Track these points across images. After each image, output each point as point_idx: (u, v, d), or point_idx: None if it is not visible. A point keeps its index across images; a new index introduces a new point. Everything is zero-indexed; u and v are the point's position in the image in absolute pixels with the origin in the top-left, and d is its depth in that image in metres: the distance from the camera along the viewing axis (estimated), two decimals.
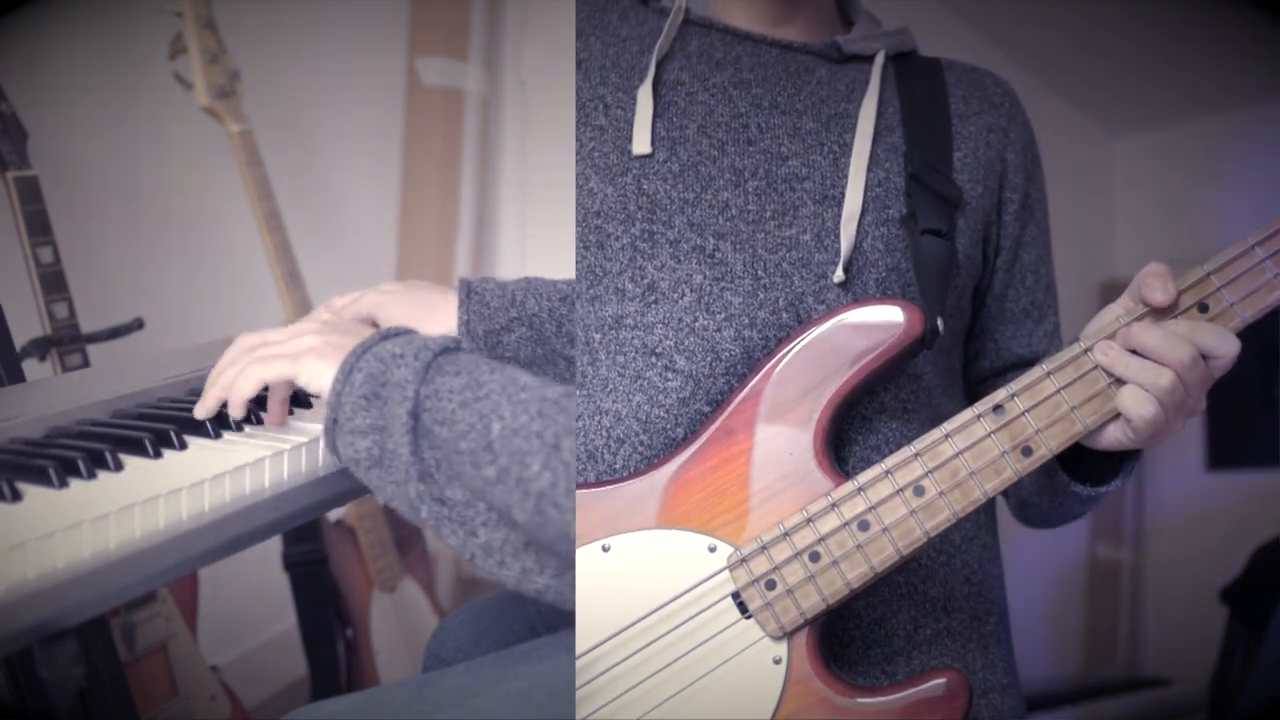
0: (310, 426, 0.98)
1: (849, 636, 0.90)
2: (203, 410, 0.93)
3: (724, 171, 0.94)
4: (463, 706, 0.90)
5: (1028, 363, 0.99)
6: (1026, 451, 0.84)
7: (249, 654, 2.12)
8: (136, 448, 0.89)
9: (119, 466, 0.86)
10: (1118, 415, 0.83)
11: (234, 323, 0.98)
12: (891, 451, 0.86)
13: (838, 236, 0.92)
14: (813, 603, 0.83)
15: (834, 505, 0.84)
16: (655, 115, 0.96)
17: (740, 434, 0.86)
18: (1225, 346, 0.82)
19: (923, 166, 0.96)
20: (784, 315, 0.91)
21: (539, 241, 2.72)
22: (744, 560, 0.84)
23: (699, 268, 0.92)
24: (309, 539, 1.85)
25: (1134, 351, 0.82)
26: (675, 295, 0.91)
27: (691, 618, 0.84)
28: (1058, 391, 0.84)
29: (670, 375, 0.90)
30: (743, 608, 0.84)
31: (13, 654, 1.09)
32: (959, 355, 1.04)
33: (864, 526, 0.84)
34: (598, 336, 0.92)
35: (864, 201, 0.93)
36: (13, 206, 1.49)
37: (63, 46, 1.74)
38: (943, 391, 0.98)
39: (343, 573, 1.96)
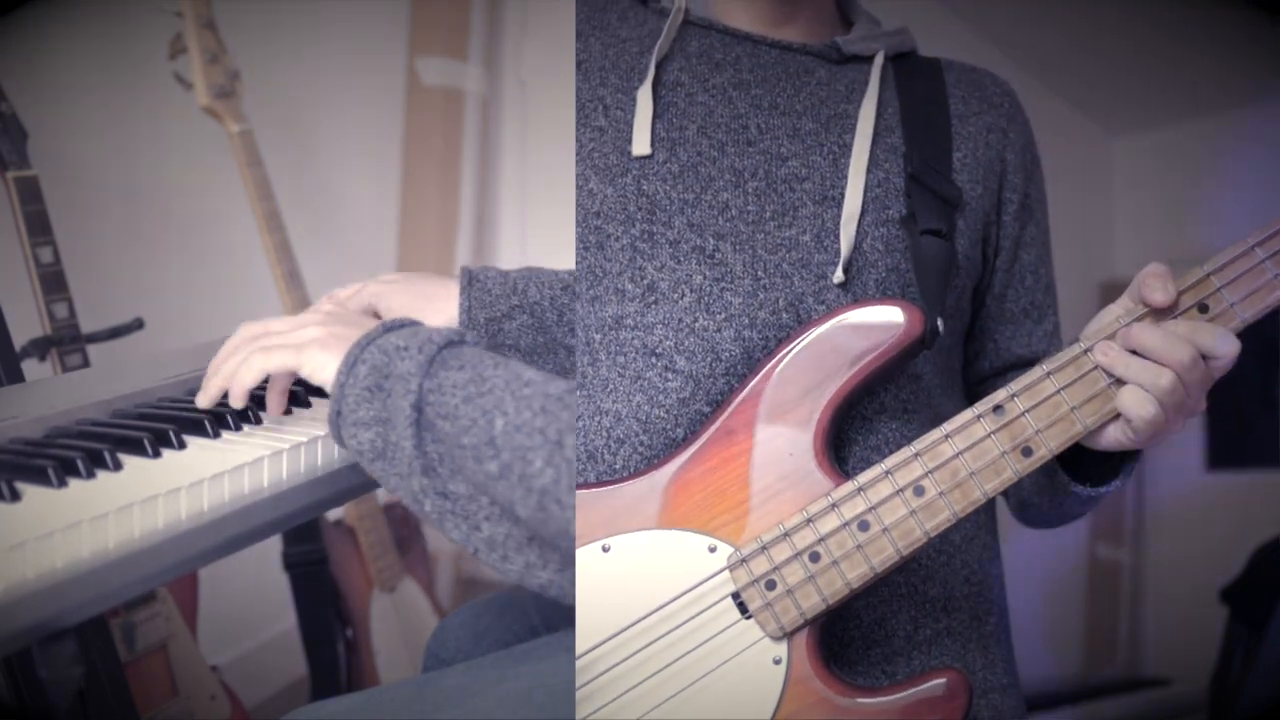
0: (310, 426, 0.98)
1: (849, 636, 0.90)
2: (204, 399, 0.93)
3: (724, 172, 0.94)
4: (463, 706, 0.90)
5: (1027, 363, 0.99)
6: (1026, 452, 0.84)
7: (249, 654, 2.12)
8: (136, 448, 0.89)
9: (118, 466, 0.86)
10: (1118, 415, 0.83)
11: (234, 323, 0.97)
12: (891, 452, 0.86)
13: (837, 237, 0.92)
14: (813, 603, 0.83)
15: (834, 505, 0.84)
16: (655, 116, 0.96)
17: (740, 434, 0.86)
18: (1225, 347, 0.82)
19: (922, 167, 0.96)
20: (784, 316, 0.91)
21: (539, 241, 2.72)
22: (744, 560, 0.84)
23: (699, 268, 0.92)
24: (309, 539, 1.85)
25: (1134, 352, 0.82)
26: (675, 296, 0.91)
27: (691, 618, 0.84)
28: (1058, 392, 0.84)
29: (670, 376, 0.90)
30: (743, 608, 0.84)
31: (12, 654, 1.09)
32: (959, 355, 1.04)
33: (864, 527, 0.84)
34: (598, 337, 0.92)
35: (864, 202, 0.93)
36: (13, 206, 1.49)
37: (63, 46, 1.74)
38: (943, 392, 0.98)
39: (343, 573, 1.96)
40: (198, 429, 0.94)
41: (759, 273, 0.91)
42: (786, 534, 0.84)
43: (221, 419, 0.95)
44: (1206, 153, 2.99)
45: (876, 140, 0.96)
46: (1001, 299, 1.03)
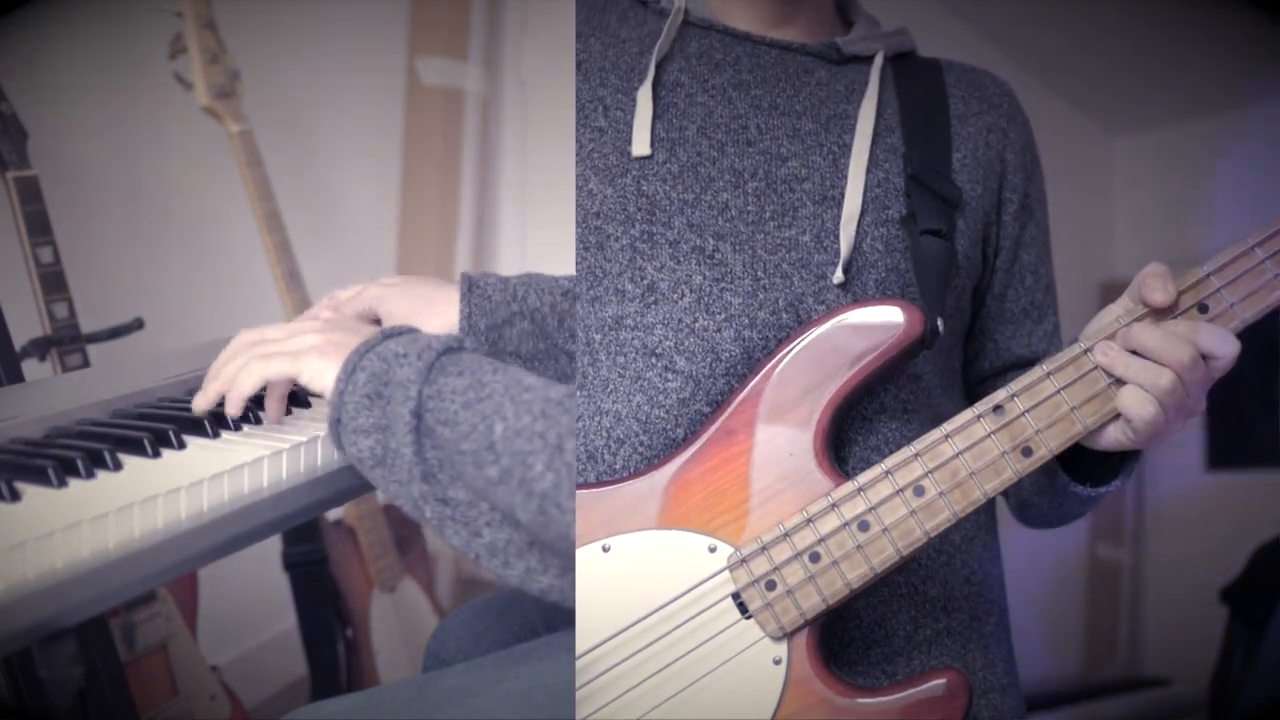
0: (310, 426, 0.98)
1: (849, 637, 0.90)
2: (202, 402, 0.93)
3: (723, 173, 0.94)
4: (463, 706, 0.90)
5: (1027, 363, 0.99)
6: (1026, 452, 0.84)
7: (249, 654, 2.12)
8: (136, 448, 0.89)
9: (118, 466, 0.86)
10: (1118, 416, 0.83)
11: (234, 323, 0.98)
12: (891, 452, 0.86)
13: (837, 237, 0.92)
14: (813, 603, 0.83)
15: (834, 505, 0.84)
16: (655, 117, 0.96)
17: (740, 434, 0.86)
18: (1225, 347, 0.82)
19: (922, 167, 0.96)
20: (784, 316, 0.91)
21: (539, 241, 2.72)
22: (744, 561, 0.84)
23: (699, 269, 0.92)
24: (309, 539, 1.85)
25: (1134, 352, 0.82)
26: (675, 296, 0.91)
27: (692, 618, 0.84)
28: (1058, 392, 0.84)
29: (670, 376, 0.90)
30: (743, 608, 0.84)
31: (12, 654, 1.09)
32: (959, 355, 1.04)
33: (864, 527, 0.84)
34: (598, 337, 0.92)
35: (863, 202, 0.93)
36: (13, 206, 1.49)
37: (63, 46, 1.74)
38: (942, 392, 0.98)
39: (343, 573, 1.96)
40: (198, 429, 0.94)
41: (759, 273, 0.91)
42: (786, 534, 0.84)
43: (221, 419, 0.95)
44: (1206, 153, 2.99)
45: (876, 140, 0.96)
46: (1001, 299, 1.03)
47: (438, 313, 1.03)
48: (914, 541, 0.83)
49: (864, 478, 0.84)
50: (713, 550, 0.85)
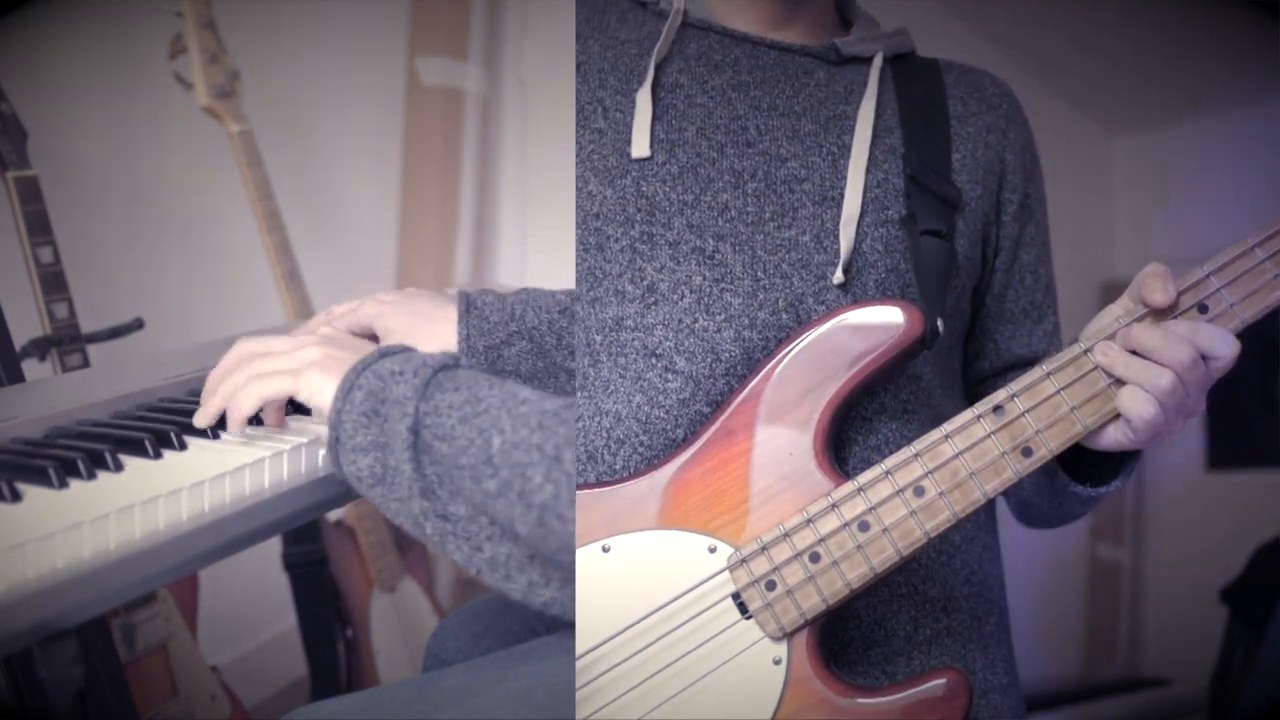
0: (310, 427, 0.98)
1: (849, 637, 0.90)
2: (203, 419, 0.93)
3: (723, 173, 0.94)
4: (463, 706, 0.90)
5: (1027, 363, 0.99)
6: (1026, 452, 0.84)
7: (249, 654, 2.12)
8: (136, 448, 0.89)
9: (119, 467, 0.86)
10: (1118, 416, 0.83)
11: (234, 323, 0.98)
12: (891, 452, 0.86)
13: (837, 238, 0.92)
14: (813, 603, 0.83)
15: (834, 506, 0.84)
16: (654, 118, 0.96)
17: (740, 435, 0.87)
18: (1225, 347, 0.82)
19: (921, 168, 0.96)
20: (784, 316, 0.91)
21: (539, 242, 2.72)
22: (744, 561, 0.84)
23: (699, 269, 0.92)
24: (309, 539, 1.85)
25: (1134, 352, 0.83)
26: (675, 297, 0.91)
27: (692, 618, 0.84)
28: (1058, 392, 0.84)
29: (670, 376, 0.90)
30: (743, 608, 0.84)
31: (12, 654, 1.09)
32: (959, 356, 1.04)
33: (864, 527, 0.84)
34: (598, 338, 0.92)
35: (863, 203, 0.93)
36: (13, 206, 1.49)
37: (63, 46, 1.74)
38: (942, 392, 0.98)
39: (343, 573, 1.96)
40: (198, 430, 0.94)
41: (759, 273, 0.92)
42: (786, 534, 0.84)
43: (222, 420, 0.95)
44: (1206, 153, 2.99)
45: (876, 141, 0.96)
46: (1001, 299, 1.03)
47: (436, 330, 1.03)
48: (914, 542, 0.83)
49: (864, 478, 0.84)
50: (713, 550, 0.85)
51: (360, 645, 1.98)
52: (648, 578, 0.85)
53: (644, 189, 0.94)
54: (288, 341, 0.91)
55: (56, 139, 1.68)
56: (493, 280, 2.66)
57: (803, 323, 0.90)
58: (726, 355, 0.90)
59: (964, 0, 2.45)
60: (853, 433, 0.92)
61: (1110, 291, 1.18)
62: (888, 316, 0.87)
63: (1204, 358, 0.82)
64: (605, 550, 0.85)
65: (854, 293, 0.92)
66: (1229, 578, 2.24)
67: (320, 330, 1.02)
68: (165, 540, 0.79)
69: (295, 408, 1.02)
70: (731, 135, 0.96)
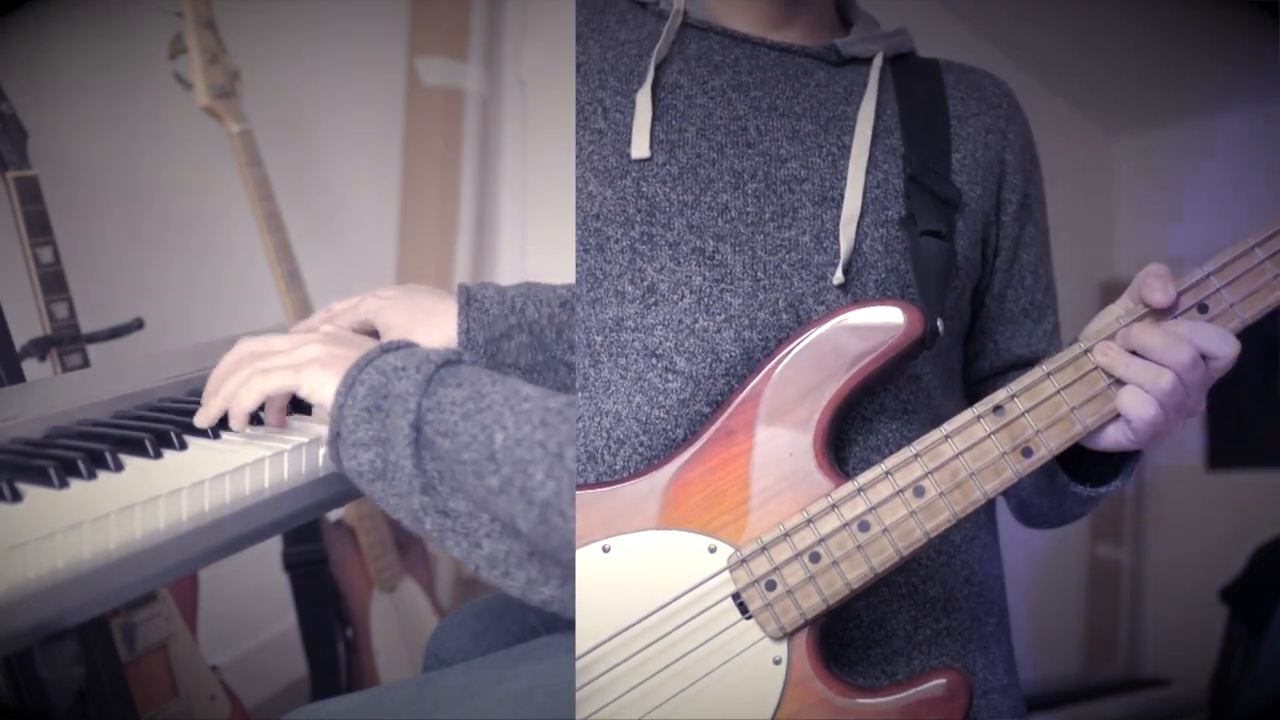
0: (311, 427, 0.98)
1: (849, 637, 0.90)
2: (204, 419, 0.93)
3: (723, 174, 0.94)
4: (463, 706, 0.90)
5: (1027, 363, 0.99)
6: (1026, 452, 0.84)
7: (249, 654, 2.12)
8: (136, 448, 0.89)
9: (119, 467, 0.86)
10: (1117, 416, 0.83)
11: (234, 323, 0.98)
12: (891, 452, 0.86)
13: (837, 238, 0.92)
14: (813, 603, 0.83)
15: (834, 506, 0.84)
16: (654, 119, 0.96)
17: (740, 435, 0.87)
18: (1225, 347, 0.82)
19: (921, 168, 0.96)
20: (784, 316, 0.91)
21: (539, 242, 2.72)
22: (744, 561, 0.84)
23: (699, 270, 0.92)
24: (309, 539, 1.85)
25: (1134, 352, 0.83)
26: (675, 297, 0.91)
27: (692, 618, 0.84)
28: (1058, 392, 0.84)
29: (670, 376, 0.90)
30: (743, 608, 0.84)
31: (13, 654, 1.09)
32: (959, 356, 1.04)
33: (864, 527, 0.84)
34: (599, 339, 0.92)
35: (863, 203, 0.93)
36: (13, 206, 1.50)
37: (63, 46, 1.74)
38: (943, 392, 0.98)
39: (343, 573, 1.96)
40: (199, 429, 0.94)
41: (759, 274, 0.92)
42: (786, 534, 0.84)
43: (222, 420, 0.95)
44: (1206, 153, 2.99)
45: (875, 141, 0.96)
46: (1001, 299, 1.03)
47: (436, 325, 1.03)
48: (914, 542, 0.84)
49: (864, 478, 0.84)
50: (713, 550, 0.85)
51: (360, 645, 1.98)
52: (648, 578, 0.85)
53: (644, 190, 0.94)
54: (289, 339, 0.91)
55: (56, 139, 1.68)
56: (493, 280, 2.65)
57: (803, 323, 0.90)
58: (726, 355, 0.90)
59: (964, 0, 2.45)
60: (853, 433, 0.92)
61: (1110, 291, 1.18)
62: (888, 317, 0.87)
63: (1204, 358, 0.82)
64: (605, 550, 0.85)
65: (854, 293, 0.92)
66: (1229, 578, 2.24)
67: (322, 328, 1.02)
68: (165, 540, 0.79)
69: (296, 408, 1.02)
70: (731, 136, 0.96)
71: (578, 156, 0.96)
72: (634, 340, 0.91)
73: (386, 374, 0.81)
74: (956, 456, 0.84)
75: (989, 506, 0.98)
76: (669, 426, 0.89)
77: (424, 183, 2.57)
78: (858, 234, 0.92)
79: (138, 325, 1.63)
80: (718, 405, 0.89)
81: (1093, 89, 2.95)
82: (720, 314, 0.91)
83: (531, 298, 1.04)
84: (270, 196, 1.82)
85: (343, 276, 2.31)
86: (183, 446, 0.92)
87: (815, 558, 0.83)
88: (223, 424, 0.95)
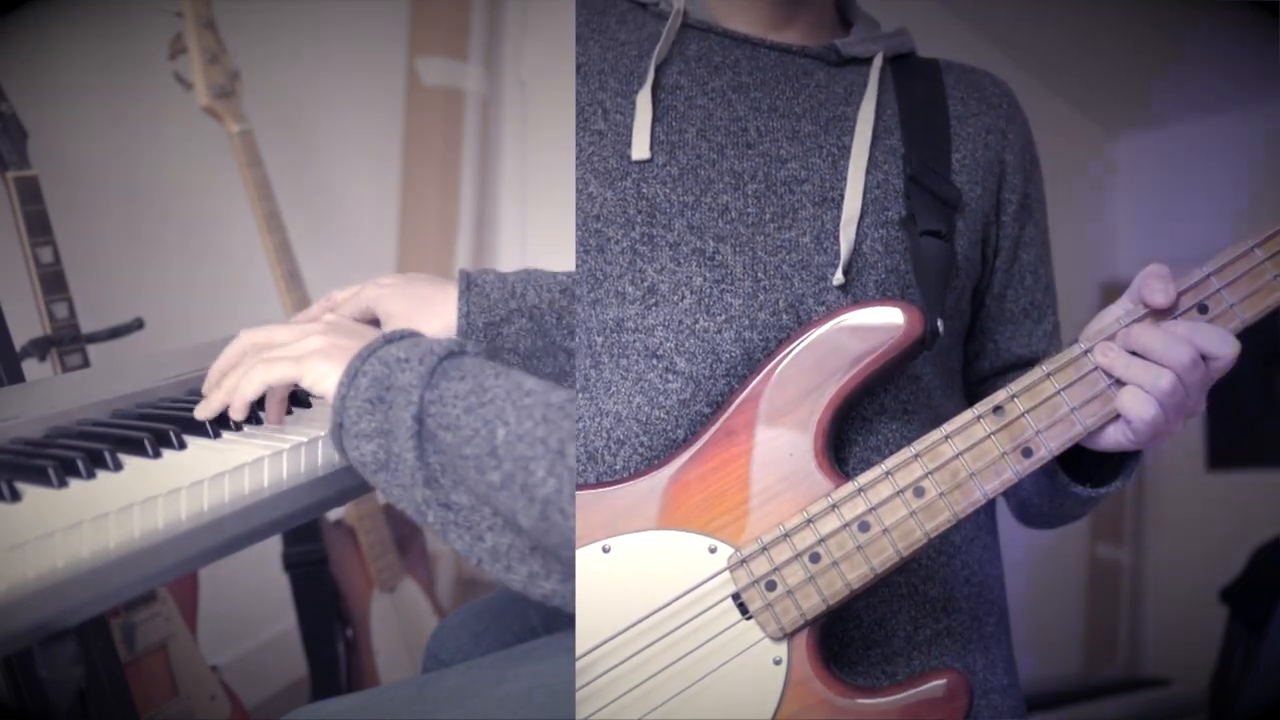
0: (311, 426, 0.98)
1: (849, 637, 0.90)
2: (205, 411, 0.93)
3: (723, 175, 0.94)
4: (463, 707, 0.90)
5: (1027, 363, 0.99)
6: (1026, 453, 0.84)
7: (249, 654, 2.12)
8: (136, 448, 0.89)
9: (118, 466, 0.86)
10: (1117, 416, 0.83)
11: (234, 323, 0.98)
12: (892, 452, 0.86)
13: (837, 239, 0.92)
14: (813, 604, 0.83)
15: (834, 506, 0.84)
16: (654, 120, 0.96)
17: (740, 435, 0.87)
18: (1225, 348, 0.82)
19: (921, 168, 0.96)
20: (784, 317, 0.91)
21: (539, 242, 2.72)
22: (744, 561, 0.84)
23: (699, 270, 0.92)
24: (309, 539, 1.85)
25: (1134, 353, 0.83)
26: (675, 298, 0.91)
27: (692, 619, 0.84)
28: (1058, 393, 0.84)
29: (671, 377, 0.90)
30: (743, 609, 0.84)
31: (12, 654, 1.09)
32: (959, 356, 1.04)
33: (864, 527, 0.84)
34: (599, 339, 0.92)
35: (863, 204, 0.93)
36: (13, 206, 1.50)
37: (63, 46, 1.74)
38: (943, 392, 0.98)
39: (343, 573, 1.96)
40: (198, 429, 0.94)
41: (759, 274, 0.92)
42: (787, 535, 0.84)
43: (222, 419, 0.95)
44: (1206, 153, 2.99)
45: (876, 142, 0.96)
46: (1001, 299, 1.03)
47: (436, 312, 1.03)
48: (914, 542, 0.83)
49: (864, 478, 0.84)
50: (713, 551, 0.85)
51: (360, 645, 1.98)
52: (648, 578, 0.85)
53: (644, 191, 0.94)
54: (291, 330, 0.91)
55: (56, 139, 1.68)
56: None
57: (803, 323, 0.90)
58: (727, 356, 0.90)
59: (964, 0, 2.45)
60: (853, 433, 0.92)
61: (1110, 291, 1.18)
62: (888, 317, 0.87)
63: (1204, 358, 0.82)
64: (605, 551, 0.85)
65: (854, 293, 0.92)
66: (1229, 578, 2.24)
67: (324, 317, 1.02)
68: (165, 539, 0.79)
69: (295, 404, 1.02)
70: (731, 137, 0.96)
71: (578, 157, 0.96)
72: (634, 341, 0.91)
73: (389, 365, 0.81)
74: (956, 457, 0.84)
75: (989, 507, 0.98)
76: (669, 427, 0.89)
77: (424, 183, 2.57)
78: (858, 234, 0.92)
79: (138, 325, 1.63)
80: (718, 406, 0.89)
81: (1093, 89, 2.96)
82: (721, 314, 0.91)
83: (532, 283, 1.04)
84: (270, 196, 1.82)
85: (343, 276, 2.30)
86: (182, 446, 0.92)
87: (815, 558, 0.83)
88: (223, 422, 0.95)
